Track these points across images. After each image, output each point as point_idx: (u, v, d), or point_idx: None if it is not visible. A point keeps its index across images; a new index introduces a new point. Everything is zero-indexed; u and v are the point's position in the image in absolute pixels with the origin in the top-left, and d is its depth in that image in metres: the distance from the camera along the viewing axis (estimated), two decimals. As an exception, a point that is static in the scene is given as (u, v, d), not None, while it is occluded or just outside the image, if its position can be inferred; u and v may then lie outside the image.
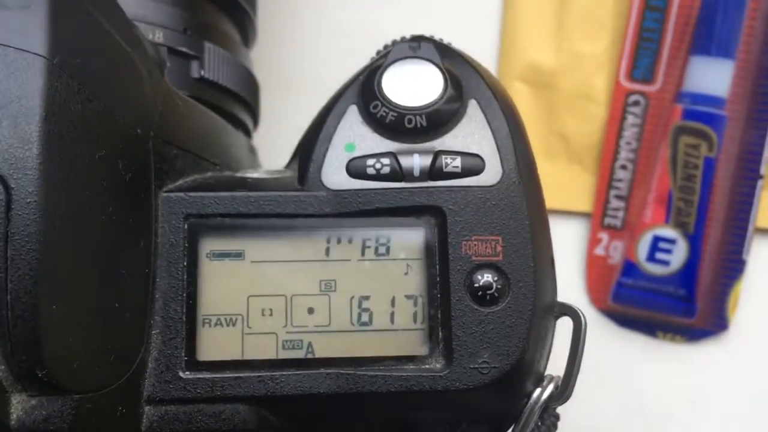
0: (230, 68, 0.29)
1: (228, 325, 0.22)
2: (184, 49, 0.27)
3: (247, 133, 0.31)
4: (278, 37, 0.40)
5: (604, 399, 0.39)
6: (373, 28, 0.34)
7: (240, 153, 0.28)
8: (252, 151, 0.30)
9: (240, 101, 0.29)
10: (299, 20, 0.42)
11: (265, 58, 0.36)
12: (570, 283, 0.40)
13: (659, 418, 0.39)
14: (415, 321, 0.23)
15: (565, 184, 0.41)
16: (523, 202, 0.23)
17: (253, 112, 0.31)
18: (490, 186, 0.23)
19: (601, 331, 0.40)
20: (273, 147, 0.34)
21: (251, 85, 0.30)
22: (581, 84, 0.40)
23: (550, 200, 0.40)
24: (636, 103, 0.40)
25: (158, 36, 0.26)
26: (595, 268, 0.40)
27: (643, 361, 0.40)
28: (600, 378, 0.40)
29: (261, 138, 0.34)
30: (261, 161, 0.31)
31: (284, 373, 0.22)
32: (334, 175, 0.23)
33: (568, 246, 0.41)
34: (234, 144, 0.28)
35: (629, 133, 0.40)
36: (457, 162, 0.23)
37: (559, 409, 0.26)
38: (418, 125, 0.23)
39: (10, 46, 0.20)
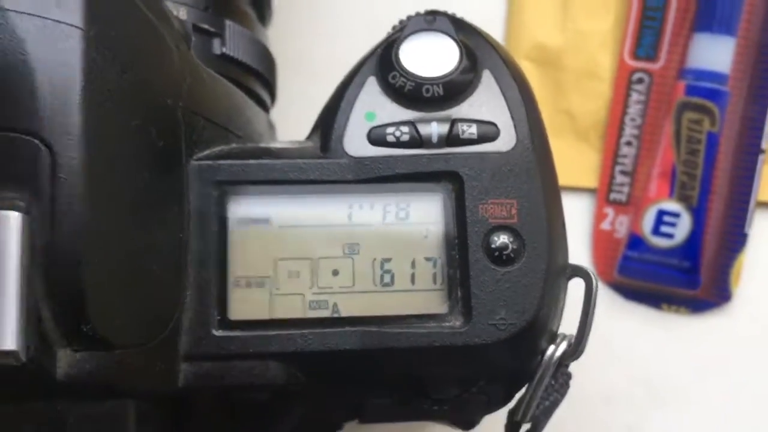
0: (250, 45, 0.30)
1: (257, 286, 0.23)
2: (206, 26, 0.28)
3: (266, 109, 0.32)
4: (293, 16, 0.41)
5: (611, 369, 0.41)
6: (385, 8, 0.35)
7: (261, 127, 0.29)
8: (271, 126, 0.31)
9: (259, 77, 0.30)
10: (311, 1, 0.43)
11: (280, 37, 0.37)
12: (577, 257, 0.41)
13: (665, 388, 0.40)
14: (434, 281, 0.24)
15: (572, 160, 0.42)
16: (536, 167, 0.24)
17: (271, 88, 0.32)
18: (505, 152, 0.24)
19: (607, 304, 0.41)
20: (288, 124, 0.35)
21: (269, 62, 0.31)
22: (586, 62, 0.41)
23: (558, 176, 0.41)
24: (640, 81, 0.41)
25: (182, 13, 0.27)
26: (601, 242, 0.41)
27: (649, 332, 0.41)
28: (607, 349, 0.41)
29: (276, 116, 0.35)
30: (278, 136, 0.32)
31: (311, 331, 0.23)
32: (356, 142, 0.24)
33: (575, 221, 0.42)
34: (255, 118, 0.29)
35: (633, 110, 0.41)
36: (473, 129, 0.24)
37: (572, 374, 0.27)
38: (435, 94, 0.24)
39: (48, 18, 0.21)
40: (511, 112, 0.24)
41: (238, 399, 0.24)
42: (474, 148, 0.24)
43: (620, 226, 0.41)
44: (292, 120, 0.37)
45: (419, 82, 0.24)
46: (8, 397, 0.20)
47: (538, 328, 0.24)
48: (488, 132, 0.24)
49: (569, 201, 0.41)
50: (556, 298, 0.24)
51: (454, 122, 0.24)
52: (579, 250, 0.42)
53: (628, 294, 0.41)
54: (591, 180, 0.42)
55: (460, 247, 0.24)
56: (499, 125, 0.24)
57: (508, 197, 0.24)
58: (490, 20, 0.42)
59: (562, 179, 0.41)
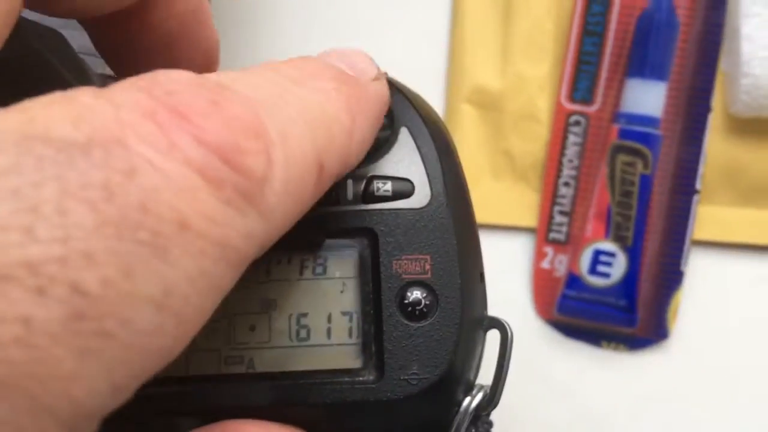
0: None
1: None
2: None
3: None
4: (230, 22, 0.42)
5: (551, 406, 0.41)
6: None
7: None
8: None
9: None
10: (251, 6, 0.43)
11: (230, 44, 0.38)
12: (517, 296, 0.42)
13: (605, 424, 0.41)
14: (350, 336, 0.24)
15: (512, 201, 0.42)
16: (450, 222, 0.25)
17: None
18: (419, 208, 0.25)
19: (548, 342, 0.42)
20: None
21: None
22: (525, 105, 0.42)
23: (498, 217, 0.42)
24: (577, 123, 0.42)
25: (108, 69, 0.27)
26: (541, 281, 0.42)
27: (589, 369, 0.42)
28: (547, 386, 0.41)
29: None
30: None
31: (225, 385, 0.23)
32: (273, 200, 0.25)
33: (516, 260, 0.42)
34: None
35: (571, 151, 0.42)
36: (388, 186, 0.25)
37: (510, 418, 0.27)
38: (352, 153, 0.25)
39: None
40: (426, 169, 0.25)
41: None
42: (389, 204, 0.25)
43: (559, 265, 0.42)
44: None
45: None
46: None
47: (452, 380, 0.24)
48: (403, 189, 0.25)
49: (510, 240, 0.43)
50: (472, 350, 0.25)
51: (369, 179, 0.25)
52: (519, 289, 0.42)
53: (568, 332, 0.42)
54: (530, 219, 0.42)
55: (374, 302, 0.24)
56: (414, 182, 0.25)
57: (422, 253, 0.24)
58: (431, 64, 0.43)
59: (503, 219, 0.42)
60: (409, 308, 0.24)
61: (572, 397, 0.41)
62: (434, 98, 0.43)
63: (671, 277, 0.41)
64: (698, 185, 0.41)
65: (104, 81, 0.26)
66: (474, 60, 0.42)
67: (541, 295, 0.42)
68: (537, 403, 0.41)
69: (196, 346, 0.24)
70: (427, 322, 0.24)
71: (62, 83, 0.23)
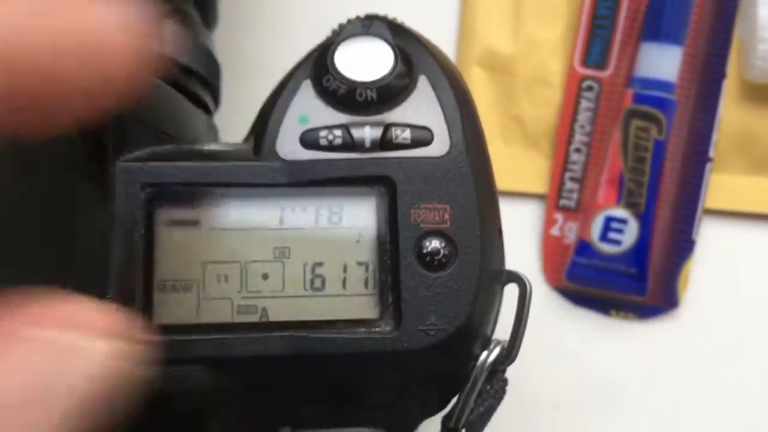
0: (191, 47, 0.29)
1: (183, 290, 0.23)
2: (143, 27, 0.27)
3: (208, 112, 0.32)
4: (242, 21, 0.41)
5: (560, 374, 0.41)
6: (334, 13, 0.35)
7: (199, 130, 0.29)
8: (212, 128, 0.31)
9: (200, 80, 0.30)
10: (260, 5, 0.43)
11: (229, 42, 0.37)
12: (526, 263, 0.42)
13: (613, 393, 0.41)
14: (366, 286, 0.24)
15: (522, 167, 0.42)
16: (469, 172, 0.24)
17: (214, 91, 0.32)
18: (439, 156, 0.24)
19: (556, 309, 0.41)
20: (234, 131, 0.34)
21: (212, 65, 0.31)
22: (537, 69, 0.41)
23: (507, 183, 0.41)
24: (589, 88, 0.41)
25: (117, 13, 0.27)
26: (550, 248, 0.41)
27: (598, 338, 0.41)
28: (556, 354, 0.41)
29: (226, 120, 0.35)
30: (222, 140, 0.32)
31: (239, 336, 0.23)
32: (289, 146, 0.24)
33: (525, 227, 0.42)
34: (193, 120, 0.28)
35: (583, 117, 0.41)
36: (407, 134, 0.24)
37: (518, 384, 0.27)
38: (369, 99, 0.24)
39: None
40: (446, 117, 0.24)
41: (164, 406, 0.23)
42: (407, 152, 0.24)
43: (569, 232, 0.41)
44: (239, 127, 0.37)
45: (353, 86, 0.24)
46: None
47: (470, 333, 0.24)
48: (422, 137, 0.24)
49: (519, 207, 0.42)
50: (490, 303, 0.24)
51: (387, 127, 0.24)
52: (529, 256, 0.42)
53: (577, 300, 0.41)
54: (541, 186, 0.42)
55: (391, 251, 0.23)
56: (434, 130, 0.24)
57: (440, 202, 0.24)
58: (442, 26, 0.42)
59: (512, 185, 0.42)
60: (428, 258, 0.23)
61: (580, 365, 0.41)
62: (444, 61, 0.42)
63: (682, 246, 0.41)
64: (711, 153, 0.40)
65: None
66: (485, 22, 0.42)
67: (550, 263, 0.41)
68: (545, 372, 0.41)
69: (207, 294, 0.23)
70: (446, 273, 0.23)
71: None
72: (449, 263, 0.23)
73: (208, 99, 0.31)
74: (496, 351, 0.25)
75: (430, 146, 0.24)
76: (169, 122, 0.26)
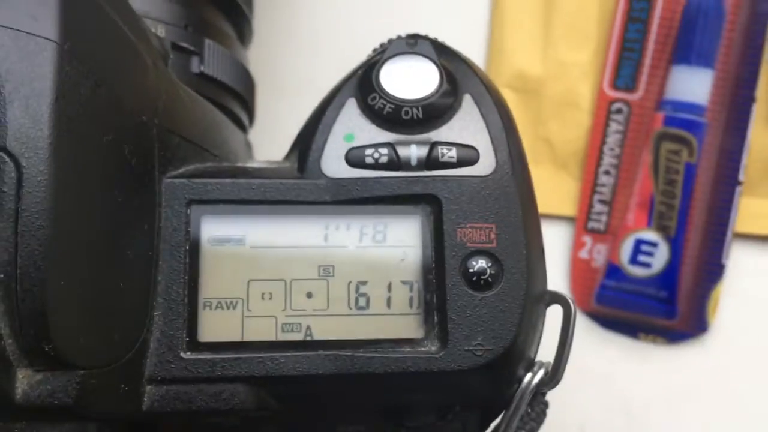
0: (229, 65, 0.29)
1: (228, 308, 0.23)
2: (185, 45, 0.27)
3: (243, 129, 0.32)
4: (274, 39, 0.41)
5: (588, 398, 0.40)
6: (365, 34, 0.35)
7: (238, 147, 0.29)
8: (248, 145, 0.31)
9: (237, 98, 0.30)
10: (294, 23, 0.43)
11: (260, 59, 0.37)
12: (555, 285, 0.41)
13: (641, 418, 0.40)
14: (411, 305, 0.23)
15: (551, 189, 0.42)
16: (515, 192, 0.24)
17: (250, 109, 0.32)
18: (485, 176, 0.24)
19: (585, 333, 0.41)
20: (267, 147, 0.34)
21: (248, 82, 0.31)
22: (566, 92, 0.41)
23: (536, 204, 0.41)
24: (619, 111, 0.41)
25: (160, 31, 0.27)
26: (579, 271, 0.41)
27: (626, 362, 0.41)
28: (584, 378, 0.40)
29: (255, 138, 0.35)
30: (255, 156, 0.32)
31: (283, 354, 0.22)
32: (334, 164, 0.24)
33: (553, 249, 0.41)
34: (232, 137, 0.28)
35: (612, 139, 0.41)
36: (453, 153, 0.24)
37: (549, 403, 0.26)
38: (415, 117, 0.24)
39: (23, 31, 0.20)
40: (491, 137, 0.24)
41: (206, 423, 0.23)
42: (453, 171, 0.24)
43: (598, 255, 0.41)
44: (270, 140, 0.37)
45: (399, 105, 0.24)
46: None
47: (516, 354, 0.23)
48: (468, 156, 0.24)
49: (548, 229, 0.41)
50: (534, 324, 0.24)
51: (433, 145, 0.24)
52: (557, 279, 0.41)
53: (606, 323, 0.41)
54: (569, 208, 0.41)
55: (437, 271, 0.23)
56: (479, 149, 0.24)
57: (487, 221, 0.23)
58: (471, 48, 0.42)
59: (541, 207, 0.41)
60: (474, 278, 0.23)
61: (609, 389, 0.40)
62: (473, 83, 0.42)
63: (712, 270, 0.40)
64: (742, 176, 0.40)
65: (161, 42, 0.25)
66: (515, 44, 0.42)
67: (578, 286, 0.41)
68: (573, 395, 0.40)
69: (251, 312, 0.23)
70: (492, 293, 0.23)
71: (125, 41, 0.22)
72: (495, 283, 0.23)
73: (244, 117, 0.31)
74: (540, 373, 0.24)
75: (476, 165, 0.24)
76: (211, 140, 0.26)
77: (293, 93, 0.41)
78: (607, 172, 0.41)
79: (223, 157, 0.27)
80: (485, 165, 0.24)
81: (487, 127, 0.24)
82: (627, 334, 0.41)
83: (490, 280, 0.23)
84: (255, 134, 0.35)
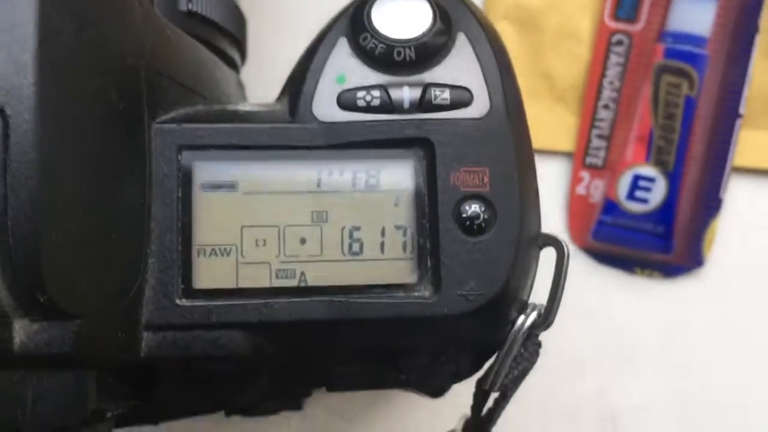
0: (218, 2, 0.28)
1: (222, 254, 0.23)
2: (171, -18, 0.27)
3: (235, 69, 0.31)
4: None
5: (584, 333, 0.41)
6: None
7: (229, 87, 0.28)
8: (240, 85, 0.30)
9: (228, 36, 0.29)
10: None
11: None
12: (551, 221, 0.41)
13: (637, 351, 0.41)
14: (404, 250, 0.23)
15: (549, 123, 0.41)
16: (509, 134, 0.24)
17: (241, 47, 0.31)
18: (478, 118, 0.24)
19: (580, 268, 0.41)
20: (260, 82, 0.34)
21: (239, 19, 0.30)
22: (566, 23, 0.40)
23: (534, 140, 0.40)
24: (619, 43, 0.40)
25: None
26: (576, 207, 0.41)
27: (622, 296, 0.41)
28: (580, 313, 0.41)
29: (248, 74, 0.34)
30: (248, 97, 0.31)
31: (278, 300, 0.23)
32: (325, 107, 0.24)
33: (551, 184, 0.41)
34: (223, 78, 0.28)
35: (612, 72, 0.40)
36: (446, 94, 0.24)
37: (542, 341, 0.27)
38: (407, 58, 0.24)
39: None
40: (485, 77, 0.24)
41: (203, 368, 0.23)
42: (446, 114, 0.23)
43: (595, 190, 0.41)
44: (264, 78, 0.36)
45: (390, 45, 0.23)
46: None
47: (508, 298, 0.23)
48: (461, 97, 0.24)
49: (545, 164, 0.41)
50: (528, 268, 0.24)
51: (426, 87, 0.24)
52: (554, 214, 0.41)
53: (602, 258, 0.41)
54: (568, 143, 0.41)
55: (430, 215, 0.23)
56: (473, 91, 0.24)
57: (480, 165, 0.23)
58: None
59: (539, 142, 0.41)
60: (467, 222, 0.23)
61: (605, 323, 0.41)
62: (470, 15, 0.41)
63: (710, 204, 0.40)
64: (742, 109, 0.40)
65: None
66: (513, -26, 0.40)
67: (575, 222, 0.41)
68: (570, 329, 0.41)
69: (245, 258, 0.23)
70: (485, 237, 0.23)
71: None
72: (488, 227, 0.23)
73: (235, 55, 0.31)
74: (533, 315, 0.25)
75: (470, 107, 0.24)
76: (202, 82, 0.25)
77: (288, 27, 0.40)
78: (606, 106, 0.40)
79: (214, 98, 0.26)
80: (479, 107, 0.24)
81: (482, 67, 0.24)
82: (623, 268, 0.41)
83: (483, 224, 0.23)
84: (249, 71, 0.35)
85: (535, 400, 0.40)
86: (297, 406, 0.27)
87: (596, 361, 0.41)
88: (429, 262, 0.23)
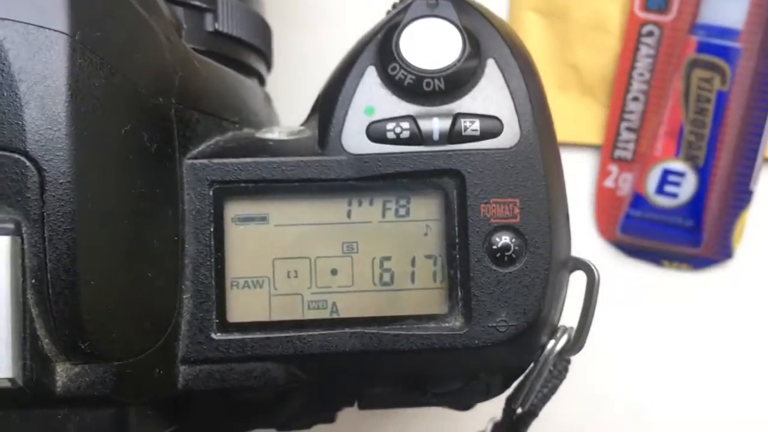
0: (244, 18, 0.28)
1: (255, 287, 0.23)
2: (197, 3, 0.26)
3: (262, 81, 0.31)
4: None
5: (612, 325, 0.41)
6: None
7: (257, 105, 0.28)
8: (268, 100, 0.30)
9: (254, 50, 0.29)
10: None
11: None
12: (579, 215, 0.41)
13: (665, 343, 0.41)
14: (434, 280, 0.24)
15: (577, 116, 0.41)
16: (540, 163, 0.23)
17: (267, 59, 0.31)
18: (509, 148, 0.23)
19: (609, 262, 0.41)
20: (285, 78, 0.34)
21: (265, 32, 0.30)
22: (595, 14, 0.40)
23: (562, 133, 0.40)
24: (650, 34, 0.39)
25: (171, -8, 0.26)
26: (604, 200, 0.41)
27: (650, 288, 0.41)
28: (607, 306, 0.41)
29: (275, 73, 0.34)
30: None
31: (310, 333, 0.23)
32: (355, 139, 0.24)
33: (579, 178, 0.41)
34: (251, 97, 0.28)
35: (642, 64, 0.39)
36: (476, 125, 0.23)
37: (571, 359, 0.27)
38: (437, 88, 0.23)
39: (31, 24, 0.20)
40: (515, 105, 0.24)
41: (237, 399, 0.24)
42: (476, 144, 0.23)
43: (624, 183, 0.40)
44: (289, 73, 0.36)
45: (420, 76, 0.23)
46: (9, 408, 0.20)
47: (539, 326, 0.24)
48: (491, 127, 0.23)
49: (573, 157, 0.41)
50: (558, 294, 0.24)
51: (456, 117, 0.23)
52: (582, 207, 0.41)
53: (630, 251, 0.41)
54: (596, 136, 0.41)
55: (461, 246, 0.23)
56: (503, 120, 0.24)
57: (511, 196, 0.23)
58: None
59: (567, 135, 0.41)
60: (498, 254, 0.23)
61: (633, 315, 0.41)
62: (497, 5, 0.40)
63: (740, 197, 0.40)
64: (775, 101, 0.39)
65: (172, 12, 0.24)
66: (541, -36, 0.40)
67: (603, 215, 0.41)
68: (598, 322, 0.41)
69: (277, 290, 0.23)
70: (516, 268, 0.23)
71: (137, 19, 0.22)
72: (519, 258, 0.23)
73: (261, 68, 0.31)
74: (563, 339, 0.25)
75: (500, 137, 0.23)
76: (231, 108, 0.26)
77: (312, 23, 0.39)
78: (635, 99, 0.40)
79: (243, 121, 0.26)
80: (509, 136, 0.24)
81: (512, 94, 0.24)
82: (651, 261, 0.41)
83: (513, 255, 0.23)
84: (275, 69, 0.35)
85: (562, 391, 0.40)
86: (330, 419, 0.28)
87: (626, 351, 0.41)
88: (460, 293, 0.23)
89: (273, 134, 0.25)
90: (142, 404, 0.22)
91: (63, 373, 0.20)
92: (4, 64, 0.19)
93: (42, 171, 0.19)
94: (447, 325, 0.23)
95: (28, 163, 0.19)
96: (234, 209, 0.23)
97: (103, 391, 0.20)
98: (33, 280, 0.19)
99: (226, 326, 0.23)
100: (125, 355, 0.21)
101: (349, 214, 0.24)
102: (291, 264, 0.23)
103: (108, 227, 0.20)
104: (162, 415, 0.23)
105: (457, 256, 0.23)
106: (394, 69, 0.23)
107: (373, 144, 0.23)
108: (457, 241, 0.23)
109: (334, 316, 0.23)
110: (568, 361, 0.26)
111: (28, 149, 0.19)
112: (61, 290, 0.19)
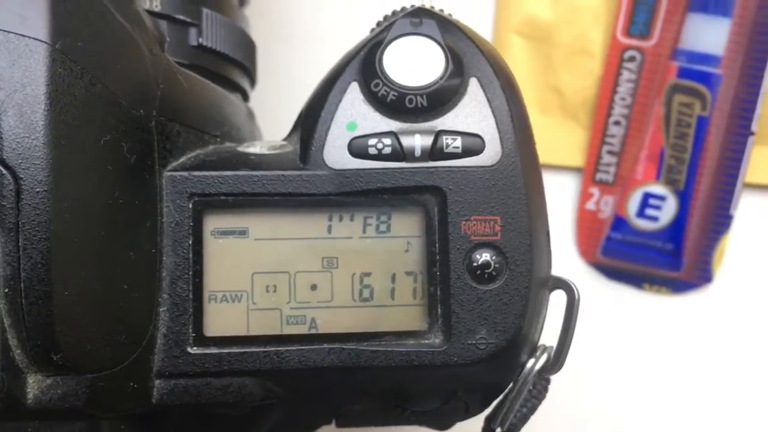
0: (228, 33, 0.28)
1: (233, 301, 0.23)
2: (181, 17, 0.27)
3: (245, 96, 0.31)
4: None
5: (591, 347, 0.41)
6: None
7: (240, 120, 0.28)
8: (250, 115, 0.30)
9: (238, 66, 0.29)
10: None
11: (261, 4, 0.36)
12: (560, 237, 0.41)
13: (644, 365, 0.41)
14: (414, 297, 0.23)
15: (559, 138, 0.41)
16: (521, 181, 0.24)
17: (251, 74, 0.31)
18: (490, 166, 0.23)
19: (589, 284, 0.41)
20: (267, 90, 0.34)
21: (249, 48, 0.30)
22: (578, 38, 0.40)
23: (543, 155, 0.40)
24: (632, 59, 0.40)
25: (156, 4, 0.26)
26: (585, 222, 0.41)
27: (630, 311, 0.41)
28: (587, 327, 0.41)
29: (258, 88, 0.34)
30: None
31: (288, 348, 0.23)
32: (336, 154, 0.23)
33: (560, 200, 0.41)
34: (234, 112, 0.28)
35: (624, 88, 0.40)
36: (458, 143, 0.23)
37: (551, 379, 0.27)
38: (419, 105, 0.23)
39: (11, 32, 0.19)
40: (497, 124, 0.24)
41: (214, 414, 0.24)
42: (458, 162, 0.23)
43: (605, 206, 0.41)
44: (273, 88, 0.36)
45: (402, 92, 0.23)
46: None
47: (519, 344, 0.24)
48: (473, 145, 0.23)
49: (555, 179, 0.41)
50: (538, 312, 0.24)
51: (438, 134, 0.23)
52: (563, 229, 0.41)
53: (610, 274, 0.41)
54: (578, 159, 0.41)
55: (441, 263, 0.23)
56: (485, 138, 0.24)
57: (492, 213, 0.23)
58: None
59: (549, 157, 0.41)
60: (478, 271, 0.23)
61: (612, 338, 0.41)
62: (481, 28, 0.40)
63: (720, 221, 0.40)
64: (755, 127, 0.39)
65: (155, 24, 0.24)
66: (525, -12, 0.40)
67: (584, 237, 0.41)
68: (577, 344, 0.41)
69: (256, 305, 0.23)
70: (496, 285, 0.23)
71: (120, 30, 0.22)
72: (499, 276, 0.23)
73: (245, 83, 0.31)
74: (543, 358, 0.25)
75: (481, 155, 0.24)
76: (213, 121, 0.25)
77: (294, 37, 0.40)
78: (617, 123, 0.40)
79: (224, 135, 0.26)
80: (491, 154, 0.24)
81: (494, 113, 0.24)
82: (631, 284, 0.41)
83: (494, 273, 0.23)
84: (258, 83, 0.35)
85: (541, 411, 0.40)
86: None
87: (605, 373, 0.41)
88: (440, 310, 0.23)
89: (254, 148, 0.25)
90: (115, 418, 0.22)
91: (35, 385, 0.20)
92: None
93: (18, 179, 0.19)
94: (426, 342, 0.23)
95: (4, 171, 0.19)
96: (213, 222, 0.23)
97: (75, 404, 0.20)
98: (6, 290, 0.19)
99: (202, 340, 0.23)
100: (99, 368, 0.21)
101: (329, 230, 0.24)
102: (270, 278, 0.23)
103: (84, 237, 0.20)
104: (135, 429, 0.23)
105: (438, 273, 0.23)
106: (377, 85, 0.24)
107: (355, 159, 0.23)
108: (437, 257, 0.23)
109: (313, 331, 0.23)
110: (548, 381, 0.26)
111: (4, 157, 0.19)
112: (34, 300, 0.19)
